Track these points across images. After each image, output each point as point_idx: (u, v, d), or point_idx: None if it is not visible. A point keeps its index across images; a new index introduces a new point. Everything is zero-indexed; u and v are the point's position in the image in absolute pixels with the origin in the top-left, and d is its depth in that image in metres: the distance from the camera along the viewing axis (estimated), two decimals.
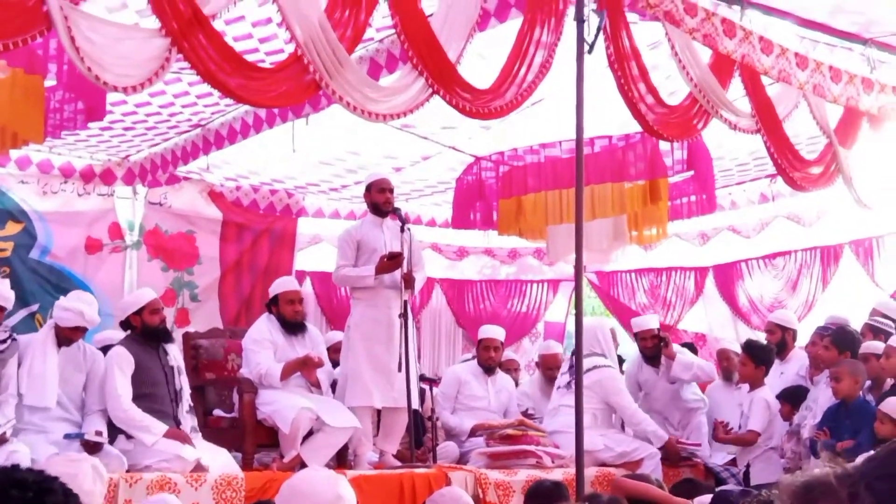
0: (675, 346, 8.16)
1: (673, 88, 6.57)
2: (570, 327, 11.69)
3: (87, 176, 8.89)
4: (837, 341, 7.06)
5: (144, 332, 6.11)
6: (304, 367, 6.62)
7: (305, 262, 10.34)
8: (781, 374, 7.59)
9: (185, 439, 5.89)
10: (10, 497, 1.91)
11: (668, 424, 7.93)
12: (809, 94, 6.67)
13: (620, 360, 7.89)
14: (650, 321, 8.44)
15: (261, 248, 9.81)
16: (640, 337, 8.19)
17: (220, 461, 5.94)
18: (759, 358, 7.24)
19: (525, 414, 8.03)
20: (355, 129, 7.58)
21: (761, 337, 8.23)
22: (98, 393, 6.02)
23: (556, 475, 6.49)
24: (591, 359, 7.14)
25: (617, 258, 10.40)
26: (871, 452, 1.19)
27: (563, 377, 7.58)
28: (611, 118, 7.61)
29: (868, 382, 6.79)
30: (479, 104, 5.74)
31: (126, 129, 7.86)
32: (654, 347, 8.05)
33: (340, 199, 10.11)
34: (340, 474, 2.81)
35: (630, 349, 11.18)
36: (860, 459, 1.19)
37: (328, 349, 7.24)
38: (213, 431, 6.60)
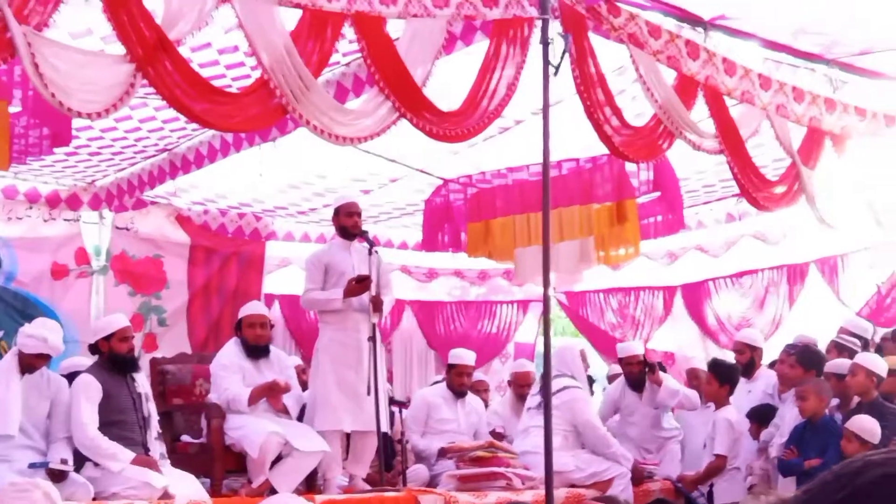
0: (661, 373, 8.21)
1: (639, 111, 6.62)
2: (540, 348, 11.74)
3: (53, 201, 8.83)
4: (802, 360, 7.12)
5: (111, 359, 6.06)
6: (270, 393, 6.59)
7: (274, 286, 10.31)
8: (749, 393, 7.65)
9: (153, 466, 5.85)
10: None
11: (642, 450, 7.96)
12: (773, 114, 6.74)
13: (591, 381, 7.91)
14: (635, 347, 8.54)
15: (229, 272, 9.77)
16: (625, 362, 8.24)
17: (189, 488, 5.90)
18: (723, 376, 7.31)
19: (494, 434, 8.04)
20: (323, 153, 7.57)
21: (730, 356, 8.28)
22: (63, 420, 5.96)
23: (527, 497, 6.50)
24: (559, 380, 7.17)
25: (585, 278, 10.45)
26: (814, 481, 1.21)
27: (533, 398, 7.60)
28: (578, 141, 7.65)
29: (836, 401, 6.84)
30: (446, 127, 5.76)
31: (92, 154, 7.82)
32: (639, 373, 8.11)
33: (309, 223, 10.09)
34: (309, 500, 2.80)
35: (601, 371, 11.25)
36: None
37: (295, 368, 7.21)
38: (181, 457, 6.55)
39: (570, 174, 8.52)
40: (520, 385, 8.67)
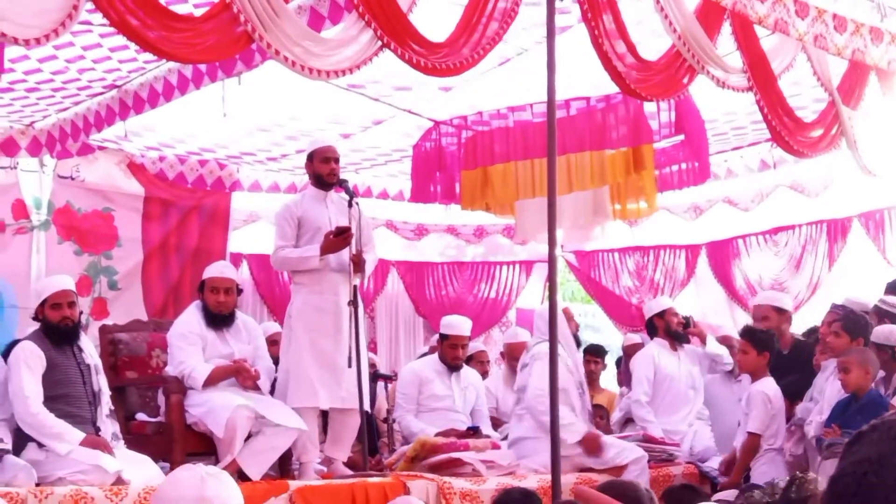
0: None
1: (659, 46, 6.60)
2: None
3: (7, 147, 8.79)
4: (848, 327, 7.12)
5: (46, 329, 6.06)
6: (236, 376, 6.59)
7: (241, 244, 10.33)
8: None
9: (104, 447, 5.87)
10: None
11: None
12: (810, 45, 6.73)
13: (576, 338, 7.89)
14: (667, 300, 8.80)
15: (189, 228, 9.78)
16: (661, 318, 8.27)
17: (145, 473, 5.91)
18: (760, 343, 7.27)
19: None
20: (296, 90, 7.57)
21: None
22: (0, 399, 5.98)
23: (531, 482, 6.57)
24: (537, 347, 7.26)
25: (598, 236, 10.47)
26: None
27: (522, 376, 7.63)
28: (588, 78, 7.65)
29: (881, 373, 6.88)
30: (435, 59, 5.76)
31: (29, 90, 7.76)
32: (677, 329, 8.26)
33: (280, 171, 10.08)
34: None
35: (615, 340, 11.30)
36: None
37: (267, 341, 7.22)
38: (137, 438, 6.59)
39: (580, 115, 8.52)
40: (513, 357, 8.72)
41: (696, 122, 8.32)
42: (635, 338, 9.49)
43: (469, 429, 7.68)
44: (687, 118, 8.29)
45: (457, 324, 8.13)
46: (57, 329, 6.07)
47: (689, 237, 11.14)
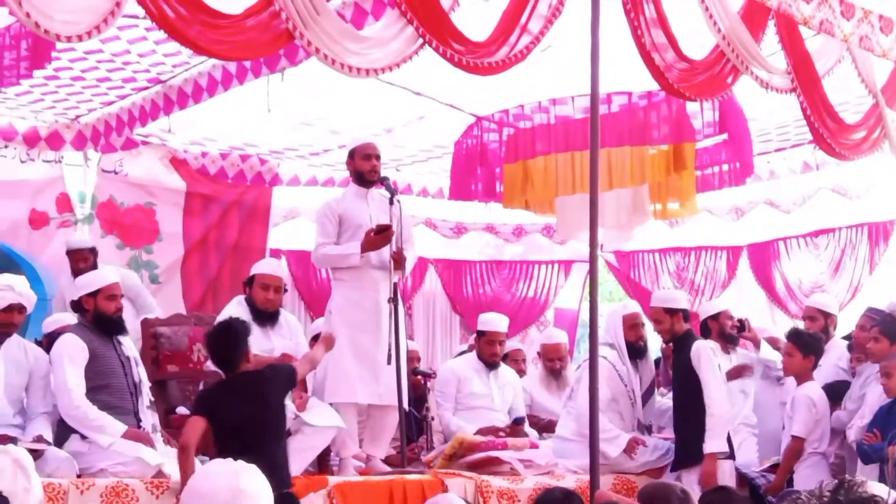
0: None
1: (702, 43, 6.57)
2: (585, 315, 11.76)
3: (31, 140, 8.88)
4: (887, 331, 7.07)
5: (96, 319, 6.11)
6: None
7: (281, 240, 10.36)
8: (819, 367, 7.61)
9: (146, 440, 5.93)
10: None
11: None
12: (855, 47, 6.67)
13: (637, 350, 7.78)
14: (721, 303, 8.67)
15: (230, 223, 9.83)
16: (715, 321, 8.20)
17: None
18: (807, 347, 7.22)
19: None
20: (338, 86, 7.58)
21: (802, 326, 8.25)
22: (41, 394, 6.05)
23: (569, 482, 6.56)
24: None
25: (637, 236, 10.42)
26: None
27: (577, 375, 7.64)
28: (631, 72, 7.61)
29: None
30: (476, 57, 5.76)
31: (75, 78, 7.82)
32: (731, 332, 8.16)
33: (322, 165, 10.11)
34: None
35: (653, 344, 11.23)
36: None
37: (310, 340, 7.26)
38: (177, 432, 6.58)
39: (622, 112, 8.51)
40: (549, 359, 8.71)
41: (739, 121, 8.26)
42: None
43: (514, 421, 7.68)
44: (730, 117, 8.22)
45: (494, 320, 8.13)
46: (110, 320, 6.14)
47: (730, 239, 11.06)
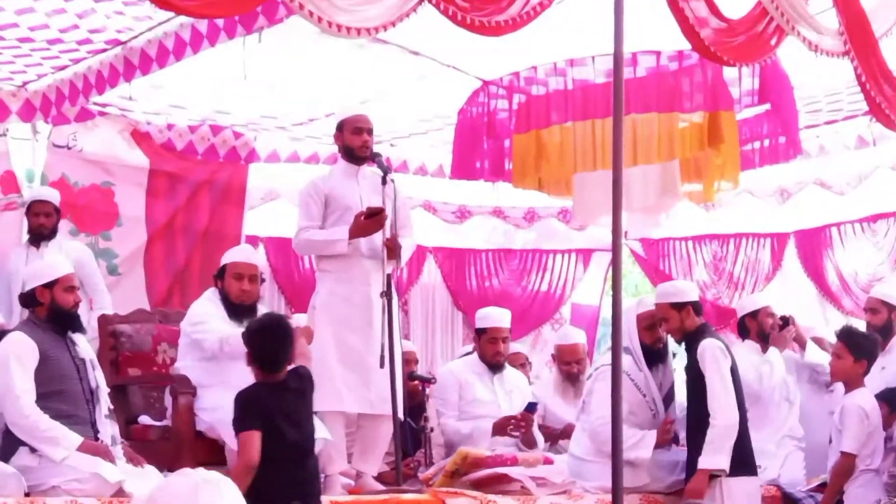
0: None
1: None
2: (607, 312, 11.78)
3: None
4: None
5: (52, 314, 6.13)
6: None
7: (258, 225, 10.39)
8: (883, 370, 7.63)
9: (105, 454, 5.92)
10: None
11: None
12: None
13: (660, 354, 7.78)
14: (762, 298, 8.64)
15: (199, 206, 9.85)
16: (755, 319, 8.23)
17: (148, 484, 5.96)
18: (859, 349, 7.22)
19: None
20: (323, 47, 7.60)
21: (857, 325, 8.27)
22: None
23: (588, 503, 6.61)
24: (606, 354, 7.24)
25: (666, 221, 10.43)
26: None
27: (588, 385, 7.66)
28: (659, 30, 7.62)
29: None
30: (481, 15, 5.78)
31: (22, 40, 7.83)
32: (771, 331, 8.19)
33: (305, 138, 10.13)
34: (214, 478, 2.88)
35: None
36: None
37: None
38: (140, 445, 6.65)
39: (649, 77, 8.47)
40: (565, 362, 8.74)
41: (784, 90, 8.26)
42: None
43: (526, 407, 7.74)
44: (774, 85, 8.22)
45: (494, 315, 8.17)
46: (67, 315, 6.16)
47: (774, 225, 11.08)
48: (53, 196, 8.71)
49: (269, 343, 5.63)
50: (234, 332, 6.52)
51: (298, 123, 9.73)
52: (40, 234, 8.54)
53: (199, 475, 2.84)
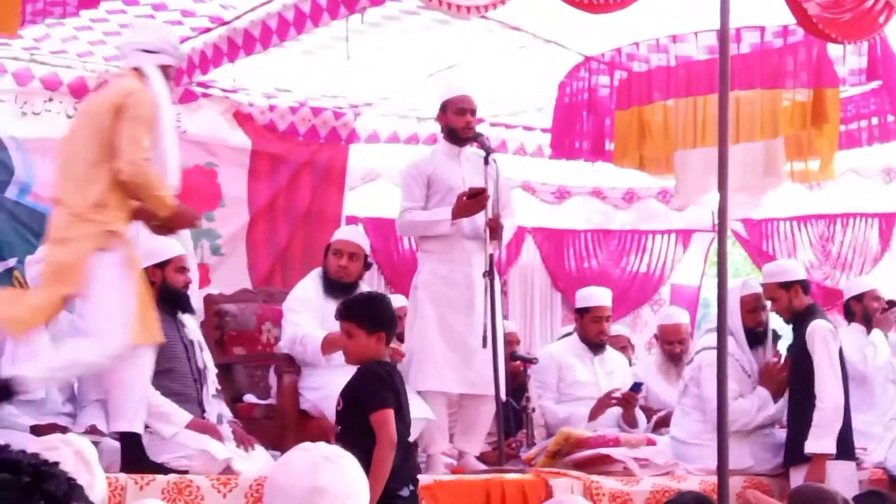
0: None
1: None
2: (707, 293, 11.69)
3: (79, 90, 8.96)
4: None
5: (163, 294, 6.21)
6: None
7: (358, 206, 10.43)
8: None
9: (213, 432, 6.01)
10: (1, 480, 2.00)
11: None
12: None
13: (761, 336, 7.68)
14: (868, 281, 8.60)
15: (301, 187, 9.89)
16: (861, 301, 8.13)
17: (255, 462, 6.04)
18: None
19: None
20: (420, 27, 7.63)
21: None
22: (94, 377, 6.13)
23: (691, 484, 6.56)
24: (707, 336, 7.17)
25: (768, 201, 10.31)
26: None
27: (688, 367, 7.61)
28: (763, 4, 7.53)
29: None
30: None
31: (123, 25, 7.91)
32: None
33: (404, 117, 10.16)
34: (336, 455, 2.82)
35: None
36: None
37: None
38: (245, 423, 6.72)
39: (753, 54, 8.38)
40: (668, 342, 8.67)
41: (893, 68, 8.13)
42: None
43: (632, 387, 7.73)
44: (882, 62, 8.09)
45: (595, 294, 8.17)
46: (178, 295, 6.24)
47: (882, 204, 10.89)
48: None
49: (390, 309, 5.43)
50: (312, 332, 6.57)
51: (398, 102, 9.75)
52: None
53: (319, 451, 2.79)
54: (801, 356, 7.11)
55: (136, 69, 5.92)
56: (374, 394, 5.11)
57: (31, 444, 4.05)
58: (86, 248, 5.57)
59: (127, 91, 5.76)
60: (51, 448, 3.62)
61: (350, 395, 5.19)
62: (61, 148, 5.94)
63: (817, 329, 7.04)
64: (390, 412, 5.09)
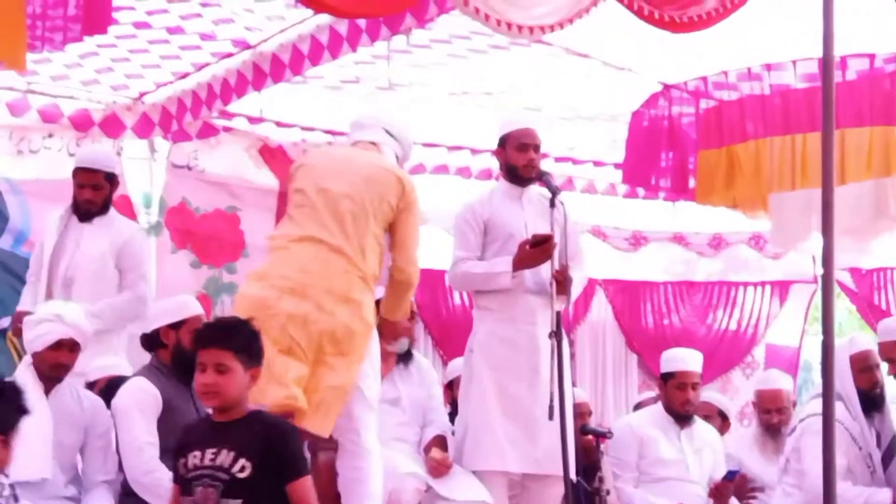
0: None
1: None
2: (808, 354, 11.64)
3: (82, 124, 9.06)
4: None
5: (177, 359, 6.24)
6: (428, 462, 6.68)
7: None
8: None
9: None
10: None
11: None
12: None
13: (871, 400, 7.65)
14: None
15: None
16: None
17: None
18: None
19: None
20: (479, 42, 7.68)
21: None
22: (101, 457, 6.19)
23: None
24: (813, 403, 7.12)
25: (879, 247, 10.29)
26: None
27: (790, 438, 7.57)
28: (874, 29, 7.52)
29: None
30: (672, 9, 5.76)
31: (133, 51, 8.02)
32: None
33: (454, 150, 10.25)
34: None
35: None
36: None
37: (445, 387, 7.32)
38: None
39: (861, 80, 8.39)
40: (766, 410, 8.59)
41: None
42: None
43: (726, 476, 7.67)
44: None
45: (683, 357, 8.10)
46: (193, 361, 6.26)
47: None
48: (104, 162, 7.83)
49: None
50: None
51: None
52: (87, 213, 7.64)
53: None
54: None
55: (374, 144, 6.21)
56: (300, 455, 4.86)
57: None
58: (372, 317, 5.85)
59: (411, 183, 6.12)
60: None
61: (263, 454, 4.71)
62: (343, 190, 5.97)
63: None
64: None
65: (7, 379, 5.22)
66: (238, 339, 4.83)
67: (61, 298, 7.17)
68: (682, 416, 7.95)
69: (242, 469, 4.65)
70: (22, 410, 4.93)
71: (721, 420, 9.15)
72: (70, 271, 7.47)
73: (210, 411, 4.92)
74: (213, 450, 4.72)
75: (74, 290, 7.40)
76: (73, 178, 7.69)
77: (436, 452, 6.66)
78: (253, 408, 4.88)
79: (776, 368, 10.40)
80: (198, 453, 4.75)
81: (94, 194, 7.61)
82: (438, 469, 6.60)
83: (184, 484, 4.76)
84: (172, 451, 5.29)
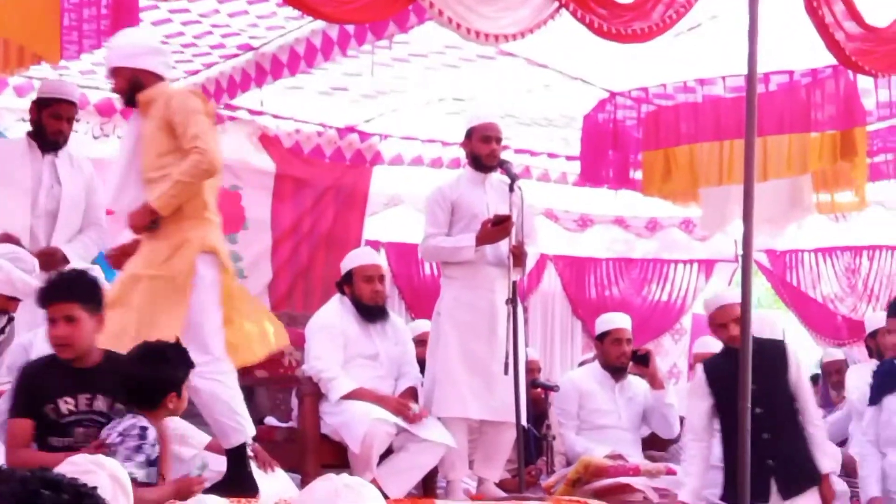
0: None
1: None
2: None
3: (105, 111, 9.06)
4: None
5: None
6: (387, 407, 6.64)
7: (379, 230, 10.46)
8: None
9: None
10: (41, 498, 2.05)
11: None
12: None
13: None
14: None
15: (324, 210, 9.94)
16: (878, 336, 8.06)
17: (275, 485, 6.04)
18: None
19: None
20: (452, 56, 7.66)
21: None
22: None
23: None
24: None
25: (793, 232, 10.33)
26: None
27: None
28: (793, 45, 7.56)
29: None
30: (619, 23, 5.78)
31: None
32: None
33: (431, 142, 10.24)
34: (356, 484, 2.93)
35: (811, 356, 11.11)
36: None
37: (414, 341, 7.34)
38: (266, 445, 6.68)
39: (781, 92, 8.44)
40: (721, 325, 8.58)
41: None
42: (836, 353, 9.33)
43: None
44: None
45: (614, 318, 8.17)
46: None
47: None
48: (76, 94, 7.36)
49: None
50: (335, 381, 6.63)
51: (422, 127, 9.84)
52: (54, 143, 6.98)
53: (340, 480, 2.91)
54: None
55: None
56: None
57: (64, 468, 4.06)
58: None
59: None
60: (86, 472, 3.63)
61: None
62: None
63: None
64: None
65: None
66: (81, 289, 4.72)
67: (43, 231, 6.85)
68: (617, 369, 7.97)
69: (119, 411, 4.68)
70: (189, 364, 4.79)
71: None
72: (50, 204, 6.94)
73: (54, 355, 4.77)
74: (87, 395, 4.68)
75: (58, 223, 6.94)
76: (44, 109, 6.92)
77: (415, 406, 6.67)
78: (102, 350, 4.80)
79: (699, 335, 10.45)
80: (70, 399, 4.67)
81: (67, 126, 7.05)
82: (416, 417, 6.62)
83: (56, 427, 4.65)
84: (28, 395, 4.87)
